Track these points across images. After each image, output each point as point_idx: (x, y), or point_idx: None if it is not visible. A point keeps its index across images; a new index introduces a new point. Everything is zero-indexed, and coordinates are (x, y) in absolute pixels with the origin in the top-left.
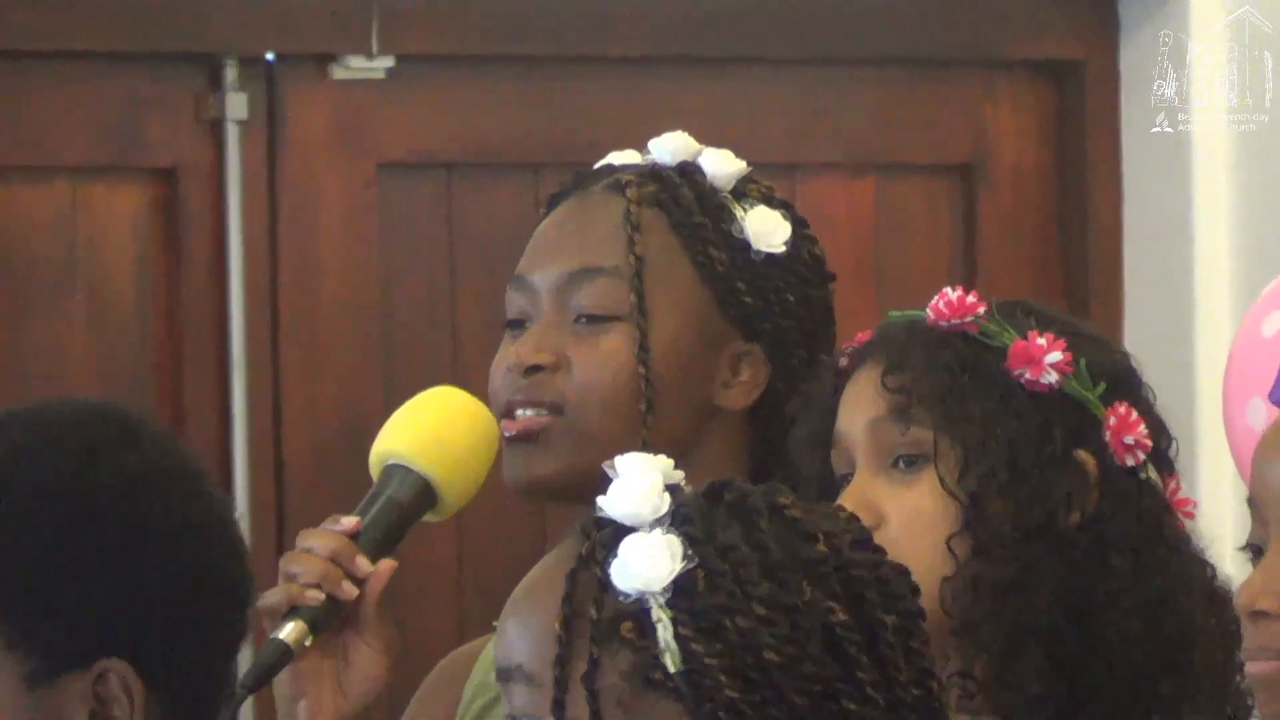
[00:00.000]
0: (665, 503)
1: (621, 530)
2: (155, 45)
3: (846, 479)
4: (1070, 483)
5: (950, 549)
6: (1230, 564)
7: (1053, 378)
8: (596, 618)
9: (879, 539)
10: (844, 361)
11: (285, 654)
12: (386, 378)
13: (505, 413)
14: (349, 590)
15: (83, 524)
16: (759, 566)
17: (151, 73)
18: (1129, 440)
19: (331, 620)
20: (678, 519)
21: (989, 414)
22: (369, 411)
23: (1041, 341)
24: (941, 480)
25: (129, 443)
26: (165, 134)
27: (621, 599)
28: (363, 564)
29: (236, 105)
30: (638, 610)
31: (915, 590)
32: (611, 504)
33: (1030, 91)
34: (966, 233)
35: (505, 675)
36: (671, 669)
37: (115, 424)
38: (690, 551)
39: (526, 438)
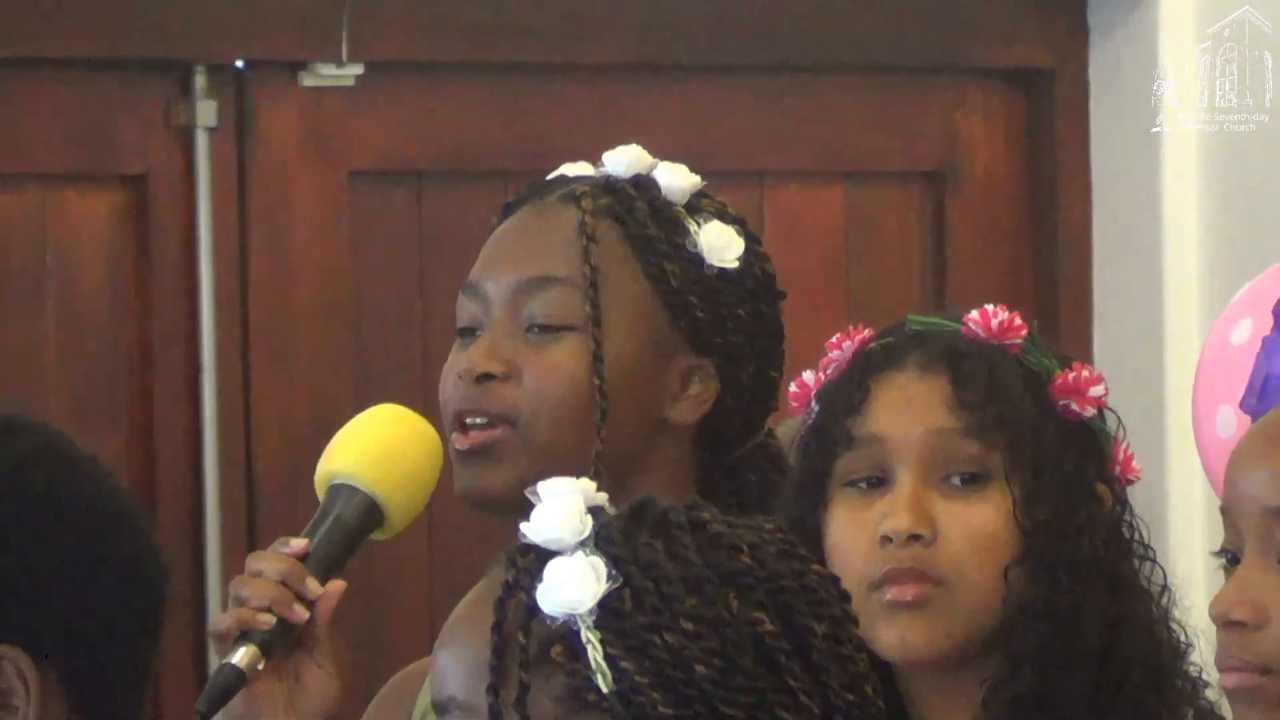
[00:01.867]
0: (588, 525)
1: (546, 555)
2: (125, 52)
3: (867, 482)
4: (1097, 514)
5: (1006, 576)
6: (1200, 571)
7: (1092, 411)
8: (525, 643)
9: (935, 555)
10: (852, 360)
11: (238, 678)
12: (357, 384)
13: (455, 421)
14: (300, 613)
15: None
16: (683, 582)
17: (121, 79)
18: (1131, 476)
19: (283, 643)
20: (600, 540)
21: (1052, 442)
22: (339, 417)
23: (1086, 374)
24: (1014, 505)
25: (11, 430)
26: (135, 141)
27: (550, 623)
28: (313, 586)
29: (206, 112)
30: (567, 633)
31: (846, 596)
32: (534, 530)
33: (1000, 98)
34: (936, 239)
35: (441, 708)
36: (605, 689)
37: None
38: (614, 572)
39: (478, 452)
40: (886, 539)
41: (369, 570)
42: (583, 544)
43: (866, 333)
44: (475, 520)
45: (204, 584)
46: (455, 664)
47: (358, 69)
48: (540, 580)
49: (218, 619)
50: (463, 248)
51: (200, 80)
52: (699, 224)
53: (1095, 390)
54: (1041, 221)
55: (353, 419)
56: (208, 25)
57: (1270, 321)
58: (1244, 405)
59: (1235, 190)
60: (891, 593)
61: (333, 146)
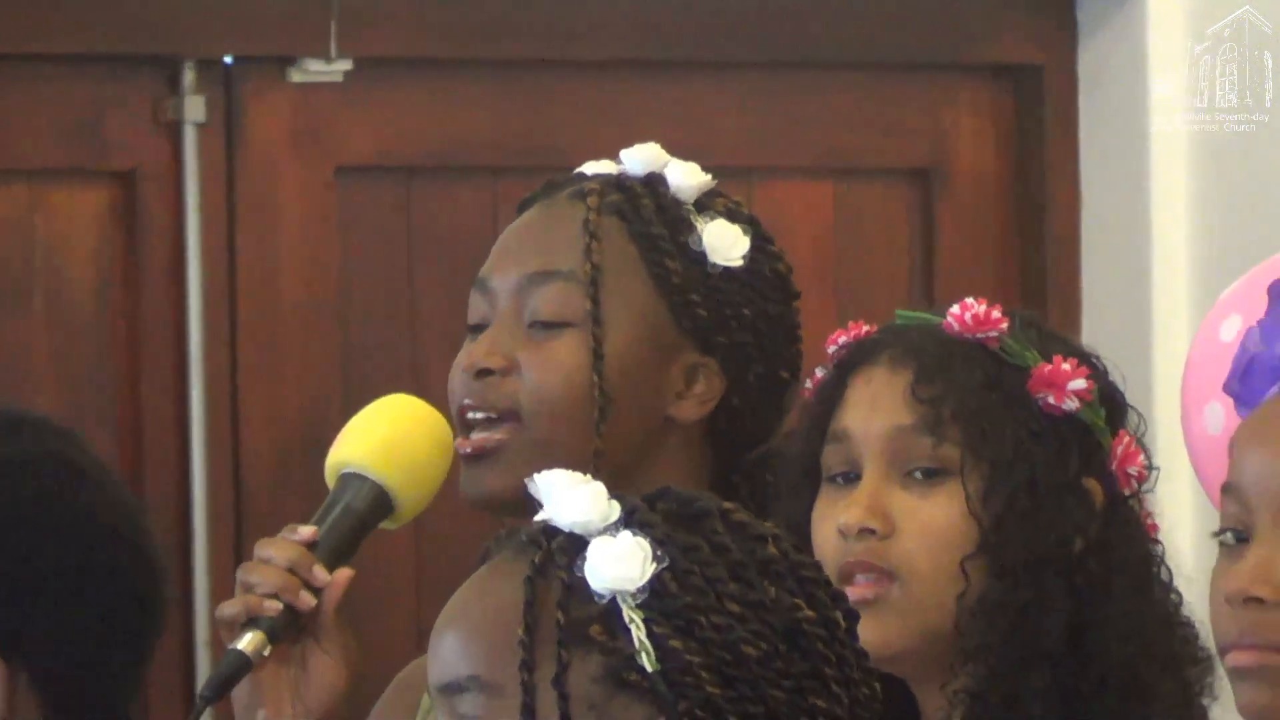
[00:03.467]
0: (615, 509)
1: (577, 537)
2: (113, 47)
3: (843, 477)
4: (1080, 510)
5: (964, 569)
6: (1190, 567)
7: (1073, 404)
8: (564, 622)
9: (889, 548)
10: (843, 355)
11: (244, 664)
12: (345, 380)
13: (458, 416)
14: (307, 600)
15: None
16: (724, 566)
17: (110, 75)
18: (1131, 470)
19: (290, 630)
20: (633, 523)
21: (1016, 436)
22: (328, 414)
23: (1066, 367)
24: (967, 499)
25: (16, 429)
26: (124, 136)
27: (595, 600)
28: (320, 573)
29: (195, 108)
30: (604, 612)
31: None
32: (560, 513)
33: (989, 95)
34: (925, 237)
35: (453, 688)
36: (649, 668)
37: None
38: (659, 552)
39: (481, 455)
40: (842, 533)
41: (354, 563)
42: (615, 526)
43: (866, 329)
44: (463, 514)
45: (191, 581)
46: (474, 643)
47: (346, 65)
48: (582, 559)
49: (225, 604)
50: (451, 243)
51: (189, 76)
52: (705, 222)
53: (1075, 384)
54: (1030, 218)
55: (364, 408)
56: (196, 21)
57: (1264, 306)
58: (1227, 387)
59: (1224, 187)
60: (849, 592)
61: (321, 142)
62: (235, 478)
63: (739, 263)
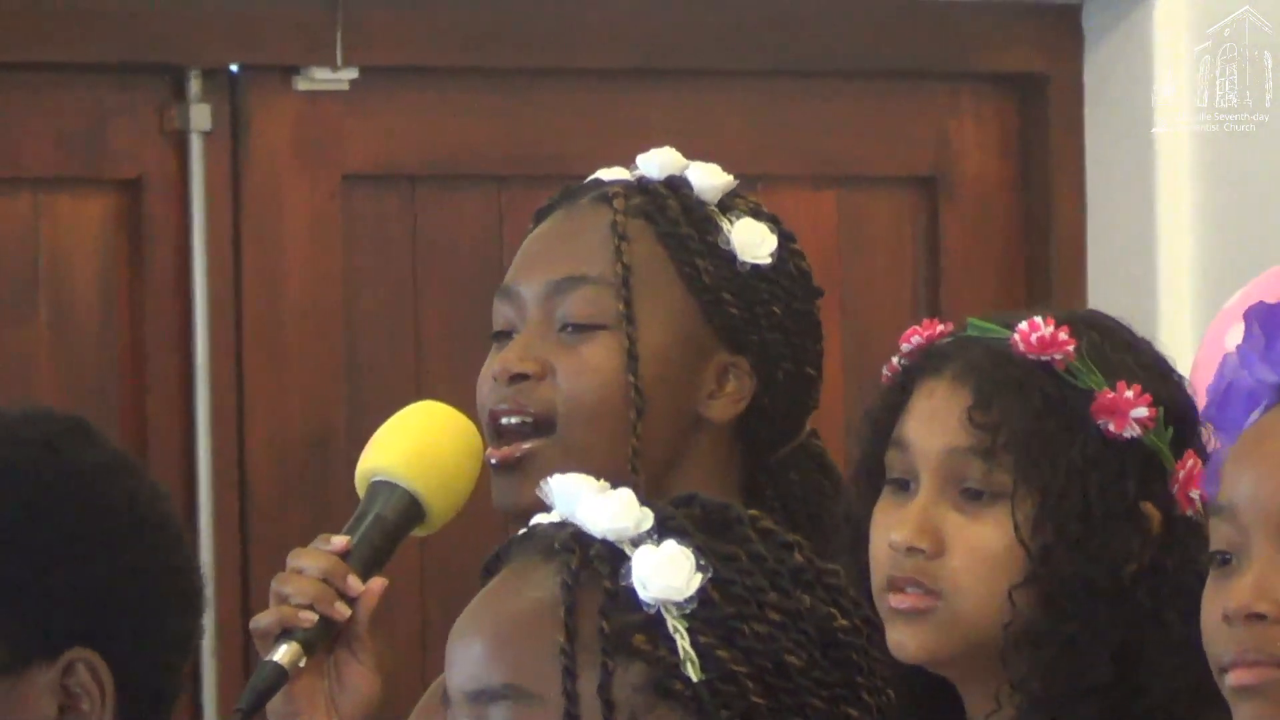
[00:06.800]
0: (648, 517)
1: (612, 544)
2: (119, 56)
3: (901, 483)
4: (1134, 535)
5: (1011, 598)
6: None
7: (1135, 432)
8: (607, 630)
9: (937, 567)
10: (913, 356)
11: (280, 676)
12: (350, 388)
13: (490, 423)
14: (342, 610)
15: (45, 512)
16: (762, 575)
17: (115, 84)
18: (1193, 494)
19: (325, 640)
20: (670, 531)
21: (1070, 465)
22: (333, 422)
23: (1129, 394)
24: (1016, 526)
25: (83, 437)
26: (129, 145)
27: (638, 609)
28: (355, 583)
29: (200, 116)
30: (648, 621)
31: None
32: (591, 520)
33: (994, 103)
34: (930, 245)
35: (485, 696)
36: (694, 678)
37: (67, 420)
38: (703, 562)
39: (512, 465)
40: (892, 547)
41: None
42: (650, 534)
43: (940, 328)
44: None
45: None
46: (507, 650)
47: (352, 73)
48: (625, 568)
49: (260, 616)
50: (455, 252)
51: (194, 84)
52: (731, 221)
53: (1137, 412)
54: (1035, 227)
55: (392, 416)
56: (202, 29)
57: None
58: (1205, 414)
59: (1230, 194)
60: (892, 599)
61: (326, 151)
62: (240, 484)
63: (767, 260)
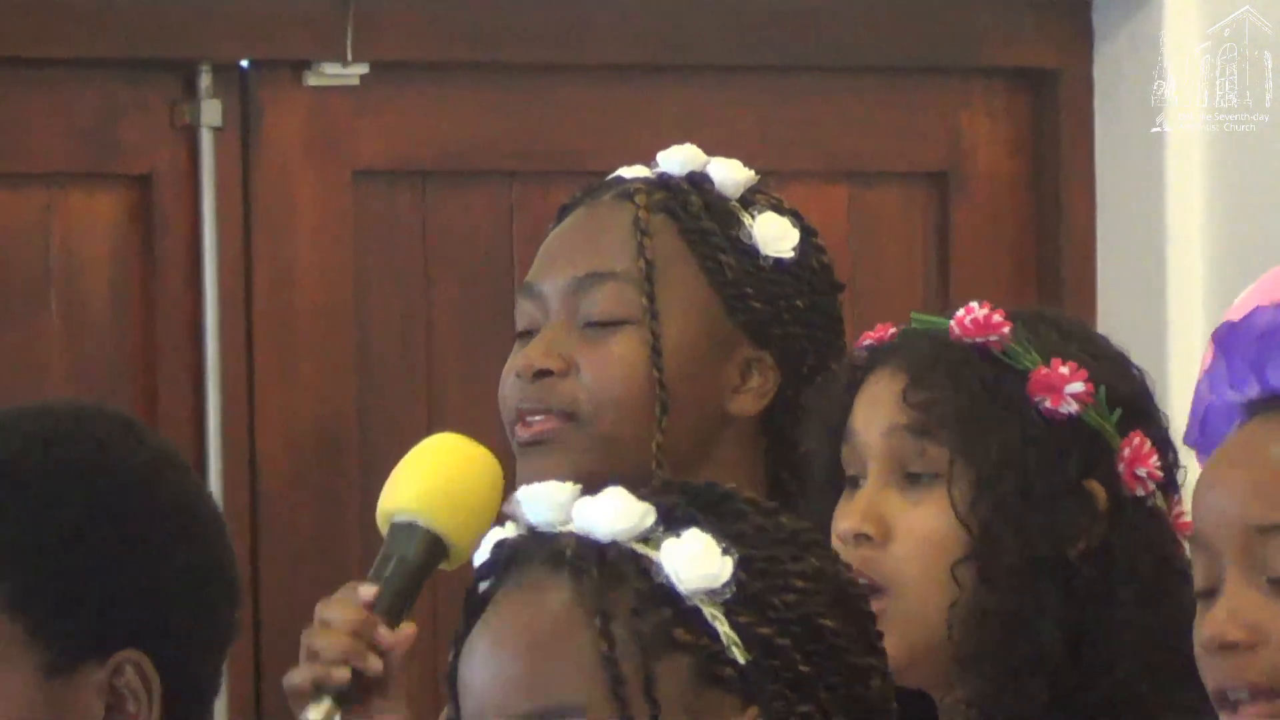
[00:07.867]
0: (650, 510)
1: (623, 545)
2: (130, 52)
3: (855, 479)
4: (1079, 513)
5: (954, 576)
6: None
7: (1072, 408)
8: (645, 631)
9: (884, 554)
10: (862, 356)
11: None
12: (361, 385)
13: (515, 420)
14: (375, 664)
15: (99, 512)
16: (772, 545)
17: (126, 79)
18: (1141, 472)
19: (356, 693)
20: (678, 520)
21: (1006, 441)
22: (343, 419)
23: (1064, 370)
24: (954, 505)
25: (134, 435)
26: (140, 140)
27: (670, 603)
28: (385, 635)
29: (211, 112)
30: (683, 613)
31: None
32: (594, 524)
33: (1005, 99)
34: (941, 240)
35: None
36: (741, 660)
37: (117, 418)
38: (724, 545)
39: (540, 441)
40: (840, 539)
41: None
42: (659, 526)
43: (891, 331)
44: None
45: None
46: (541, 670)
47: (363, 69)
48: (653, 566)
49: (292, 673)
50: (466, 247)
51: (205, 80)
52: (753, 215)
53: (1072, 387)
54: (1046, 222)
55: (410, 451)
56: (212, 25)
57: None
58: (1187, 439)
59: (1239, 191)
60: None
61: (337, 146)
62: (251, 481)
63: (790, 254)
